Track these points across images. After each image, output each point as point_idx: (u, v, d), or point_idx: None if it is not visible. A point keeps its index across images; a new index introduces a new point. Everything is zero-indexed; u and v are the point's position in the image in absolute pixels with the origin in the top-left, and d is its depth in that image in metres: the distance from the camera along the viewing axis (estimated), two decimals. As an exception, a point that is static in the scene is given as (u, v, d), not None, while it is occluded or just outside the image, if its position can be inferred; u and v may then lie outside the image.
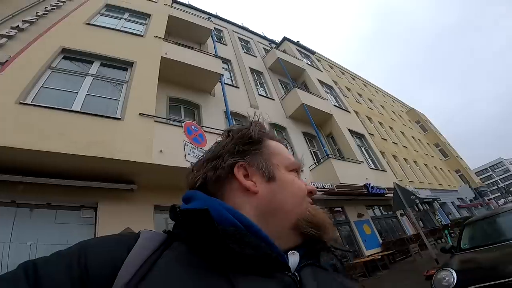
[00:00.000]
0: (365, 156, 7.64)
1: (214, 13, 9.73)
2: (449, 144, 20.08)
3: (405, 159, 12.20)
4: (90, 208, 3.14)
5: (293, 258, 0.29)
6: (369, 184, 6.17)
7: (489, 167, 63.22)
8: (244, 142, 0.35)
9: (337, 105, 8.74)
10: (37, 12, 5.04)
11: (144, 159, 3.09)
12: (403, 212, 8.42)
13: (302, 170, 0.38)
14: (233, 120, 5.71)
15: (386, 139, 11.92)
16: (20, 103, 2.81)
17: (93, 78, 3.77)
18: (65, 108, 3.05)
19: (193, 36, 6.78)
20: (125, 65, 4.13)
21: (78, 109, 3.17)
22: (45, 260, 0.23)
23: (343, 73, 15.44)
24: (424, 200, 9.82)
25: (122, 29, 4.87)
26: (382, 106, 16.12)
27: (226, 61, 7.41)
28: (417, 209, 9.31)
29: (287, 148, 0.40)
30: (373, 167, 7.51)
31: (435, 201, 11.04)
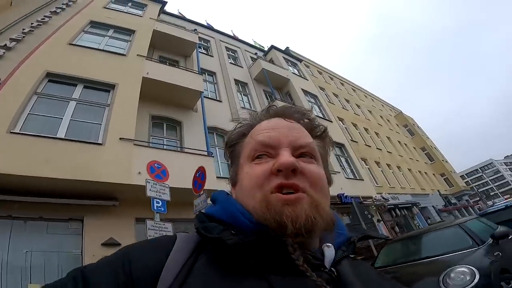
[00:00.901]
0: (343, 166, 8.21)
1: (205, 22, 10.07)
2: (435, 148, 21.04)
3: (388, 165, 12.91)
4: (78, 220, 3.53)
5: (328, 252, 0.28)
6: (343, 194, 6.72)
7: (479, 168, 65.69)
8: (229, 152, 0.36)
9: (320, 116, 9.26)
10: (23, 29, 5.34)
11: (124, 181, 3.52)
12: (380, 218, 9.10)
13: (278, 144, 0.30)
14: (215, 135, 6.16)
15: (370, 146, 12.58)
16: (11, 132, 3.20)
17: (76, 103, 4.14)
18: (51, 136, 3.45)
19: (178, 50, 7.13)
20: (107, 88, 4.51)
21: (63, 136, 3.58)
22: (92, 268, 0.25)
23: (332, 79, 16.01)
24: (400, 205, 10.52)
25: (106, 48, 5.21)
26: (370, 111, 16.81)
27: (211, 73, 7.79)
28: (394, 215, 10.00)
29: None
30: (350, 176, 8.10)
31: (414, 206, 11.79)
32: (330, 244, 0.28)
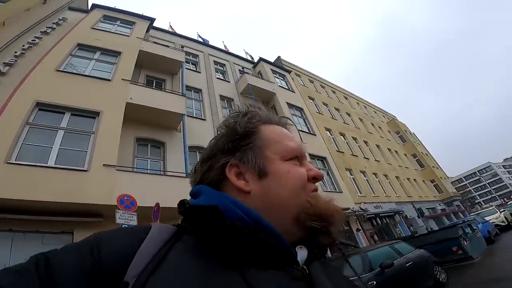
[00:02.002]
0: (323, 179, 8.78)
1: (196, 34, 10.47)
2: (426, 154, 21.65)
3: (375, 174, 13.48)
4: (68, 233, 4.11)
5: (301, 253, 0.29)
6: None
7: (477, 171, 66.70)
8: (233, 138, 0.34)
9: (303, 130, 9.77)
10: (15, 53, 5.79)
11: (107, 202, 4.05)
12: (359, 228, 9.69)
13: (304, 154, 0.35)
14: (198, 153, 6.66)
15: (357, 156, 13.14)
16: (7, 163, 3.75)
17: (64, 131, 4.64)
18: (42, 165, 3.99)
19: (164, 68, 7.57)
20: (92, 115, 4.99)
21: (53, 164, 4.14)
22: (57, 252, 0.24)
23: (323, 87, 16.48)
24: (382, 214, 11.12)
25: (92, 73, 5.66)
26: (361, 119, 17.34)
27: (197, 90, 8.25)
28: (375, 224, 10.60)
29: (288, 129, 0.38)
30: (329, 189, 8.67)
31: (397, 214, 12.41)
32: (303, 246, 0.30)
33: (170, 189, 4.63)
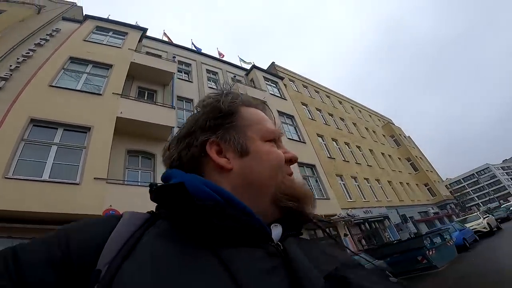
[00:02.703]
0: (311, 187, 9.13)
1: (190, 41, 10.73)
2: (421, 158, 22.07)
3: (366, 179, 13.86)
4: None
5: (276, 231, 0.30)
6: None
7: (475, 172, 67.44)
8: (215, 116, 0.34)
9: (293, 138, 10.09)
10: (10, 66, 6.08)
11: (97, 212, 4.38)
12: (346, 233, 10.07)
13: (280, 137, 0.37)
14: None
15: (348, 161, 13.50)
16: (5, 177, 4.07)
17: (57, 147, 4.95)
18: (37, 179, 4.33)
19: (156, 79, 7.85)
20: (84, 130, 5.30)
21: (47, 178, 4.47)
22: (25, 246, 0.24)
23: (317, 92, 16.80)
24: (370, 219, 11.51)
25: (83, 88, 5.95)
26: (355, 124, 17.69)
27: (188, 100, 8.55)
28: (363, 229, 11.00)
29: (268, 113, 0.39)
30: (317, 196, 9.03)
31: (387, 219, 12.82)
32: (277, 224, 0.30)
33: None
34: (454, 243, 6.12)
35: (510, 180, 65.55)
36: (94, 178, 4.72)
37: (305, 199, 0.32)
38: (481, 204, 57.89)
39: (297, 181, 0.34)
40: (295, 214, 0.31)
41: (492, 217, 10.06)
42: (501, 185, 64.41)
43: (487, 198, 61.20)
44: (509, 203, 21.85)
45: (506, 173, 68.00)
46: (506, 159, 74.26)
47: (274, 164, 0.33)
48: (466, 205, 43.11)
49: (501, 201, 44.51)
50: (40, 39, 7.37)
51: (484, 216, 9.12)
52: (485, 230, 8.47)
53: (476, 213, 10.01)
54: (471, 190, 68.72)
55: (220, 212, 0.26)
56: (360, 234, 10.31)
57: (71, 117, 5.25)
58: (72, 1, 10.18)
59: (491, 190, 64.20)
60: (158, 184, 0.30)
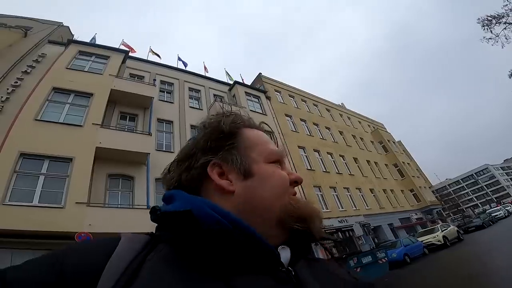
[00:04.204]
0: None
1: (176, 56, 11.18)
2: (408, 163, 22.82)
3: (346, 188, 14.73)
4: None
5: (284, 253, 0.30)
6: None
7: (474, 173, 68.24)
8: (216, 137, 0.34)
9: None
10: (1, 98, 6.86)
11: (78, 230, 5.35)
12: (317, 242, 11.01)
13: (283, 158, 0.36)
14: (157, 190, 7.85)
15: (329, 172, 14.33)
16: (3, 204, 5.05)
17: (45, 177, 5.84)
18: (28, 205, 5.29)
19: (137, 103, 8.54)
20: (67, 160, 6.15)
21: (37, 203, 5.44)
22: (15, 270, 0.23)
23: (304, 101, 17.41)
24: (344, 228, 12.46)
25: (66, 120, 6.73)
26: (341, 132, 18.38)
27: (168, 122, 9.29)
28: (336, 238, 11.98)
29: (269, 135, 0.39)
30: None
31: (366, 226, 13.78)
32: (285, 246, 0.30)
33: (136, 220, 5.87)
34: (387, 260, 6.83)
35: (509, 180, 66.17)
36: (76, 203, 5.65)
37: (311, 218, 0.31)
38: (479, 205, 58.87)
39: (302, 201, 0.33)
40: (302, 235, 0.31)
41: (454, 229, 10.86)
42: (500, 185, 65.15)
43: (484, 200, 62.23)
44: (494, 208, 22.61)
45: (506, 173, 68.48)
46: (507, 159, 74.50)
47: (279, 186, 0.32)
48: (445, 213, 43.75)
49: (491, 204, 45.11)
50: (27, 66, 8.07)
51: (443, 229, 9.94)
52: (439, 243, 9.22)
53: (437, 225, 10.83)
54: (470, 191, 69.76)
55: (228, 238, 0.26)
56: (332, 243, 11.27)
57: (55, 149, 6.09)
58: (59, 20, 10.71)
59: (490, 191, 65.14)
60: (161, 208, 0.30)
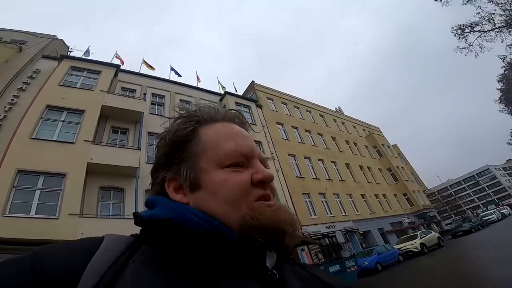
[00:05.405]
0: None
1: (171, 69, 11.72)
2: (402, 168, 23.28)
3: (336, 194, 15.28)
4: None
5: (270, 257, 0.30)
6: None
7: (475, 174, 68.61)
8: (165, 151, 0.34)
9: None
10: None
11: (71, 238, 5.96)
12: (303, 248, 11.61)
13: (251, 154, 0.33)
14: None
15: (319, 178, 14.86)
16: (3, 216, 5.67)
17: (40, 191, 6.44)
18: (26, 216, 5.92)
19: (127, 118, 9.05)
20: (60, 176, 6.74)
21: (34, 215, 6.06)
22: None
23: (297, 107, 17.87)
24: (330, 234, 13.01)
25: (59, 138, 7.30)
26: (333, 138, 18.85)
27: (159, 135, 9.80)
28: (322, 243, 12.55)
29: (238, 122, 0.36)
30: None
31: (354, 232, 14.35)
32: (273, 252, 0.31)
33: (126, 231, 6.40)
34: (357, 269, 7.33)
35: (511, 181, 66.41)
36: (69, 214, 6.27)
37: (277, 230, 0.28)
38: (481, 206, 59.18)
39: (267, 210, 0.30)
40: (270, 246, 0.30)
41: (435, 235, 11.36)
42: (501, 186, 65.45)
43: (485, 201, 62.64)
44: (486, 212, 23.15)
45: (508, 174, 68.67)
46: (510, 159, 74.39)
47: (230, 195, 0.30)
48: (445, 214, 43.88)
49: (501, 202, 45.14)
50: (22, 82, 8.61)
51: (422, 236, 10.49)
52: (416, 250, 9.77)
53: (418, 232, 11.37)
54: (471, 192, 70.12)
55: (209, 243, 0.26)
56: (317, 248, 11.84)
57: (49, 166, 6.68)
58: (52, 33, 11.20)
59: (491, 192, 65.53)
60: (141, 213, 0.30)
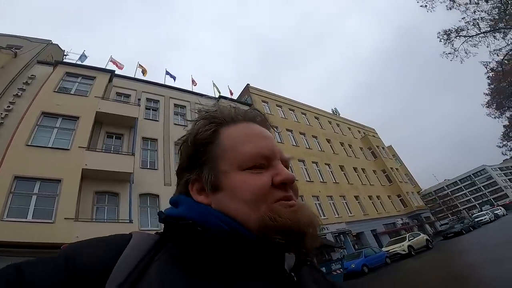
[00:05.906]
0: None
1: (164, 71, 11.80)
2: (397, 169, 23.70)
3: (330, 196, 15.66)
4: None
5: (289, 259, 0.31)
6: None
7: (472, 174, 69.49)
8: (188, 153, 0.35)
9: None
10: None
11: (66, 241, 6.24)
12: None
13: (272, 156, 0.33)
14: (148, 197, 8.70)
15: (313, 181, 15.22)
16: (1, 220, 5.92)
17: (37, 196, 6.69)
18: (24, 220, 6.19)
19: (122, 123, 9.26)
20: (56, 182, 6.99)
21: (31, 219, 6.33)
22: (30, 265, 0.24)
23: (292, 110, 18.18)
24: (322, 236, 13.40)
25: (54, 144, 7.52)
26: (328, 140, 19.20)
27: (153, 140, 10.07)
28: (342, 246, 12.80)
29: (260, 121, 0.37)
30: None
31: (343, 234, 14.73)
32: (291, 254, 0.31)
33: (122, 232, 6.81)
34: (343, 272, 7.61)
35: (507, 181, 67.32)
36: (65, 218, 6.53)
37: (297, 231, 0.29)
38: (477, 206, 60.02)
39: (286, 210, 0.30)
40: (290, 248, 0.30)
41: (423, 238, 11.75)
42: (498, 186, 66.32)
43: (481, 201, 63.54)
44: (479, 213, 23.71)
45: (504, 173, 69.51)
46: (506, 159, 75.21)
47: (250, 197, 0.30)
48: (442, 214, 44.61)
49: (498, 203, 45.76)
50: (18, 88, 8.80)
51: (410, 238, 10.87)
52: (404, 252, 10.13)
53: (406, 235, 11.74)
54: (468, 192, 71.03)
55: (231, 244, 0.27)
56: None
57: (45, 172, 6.92)
58: (48, 38, 11.35)
59: (488, 192, 66.42)
60: (165, 211, 0.33)
